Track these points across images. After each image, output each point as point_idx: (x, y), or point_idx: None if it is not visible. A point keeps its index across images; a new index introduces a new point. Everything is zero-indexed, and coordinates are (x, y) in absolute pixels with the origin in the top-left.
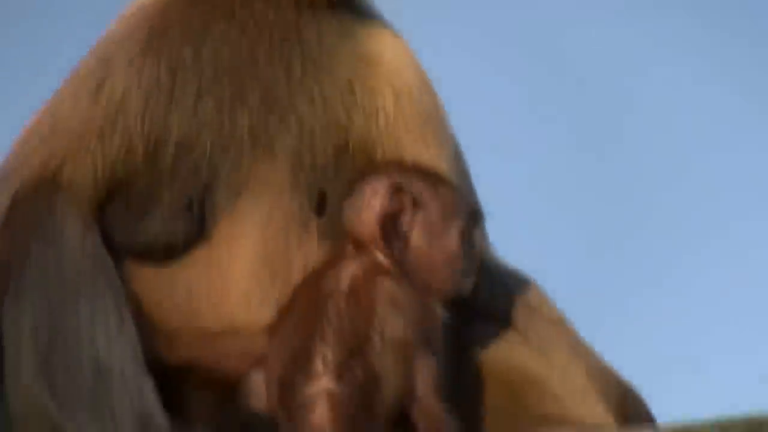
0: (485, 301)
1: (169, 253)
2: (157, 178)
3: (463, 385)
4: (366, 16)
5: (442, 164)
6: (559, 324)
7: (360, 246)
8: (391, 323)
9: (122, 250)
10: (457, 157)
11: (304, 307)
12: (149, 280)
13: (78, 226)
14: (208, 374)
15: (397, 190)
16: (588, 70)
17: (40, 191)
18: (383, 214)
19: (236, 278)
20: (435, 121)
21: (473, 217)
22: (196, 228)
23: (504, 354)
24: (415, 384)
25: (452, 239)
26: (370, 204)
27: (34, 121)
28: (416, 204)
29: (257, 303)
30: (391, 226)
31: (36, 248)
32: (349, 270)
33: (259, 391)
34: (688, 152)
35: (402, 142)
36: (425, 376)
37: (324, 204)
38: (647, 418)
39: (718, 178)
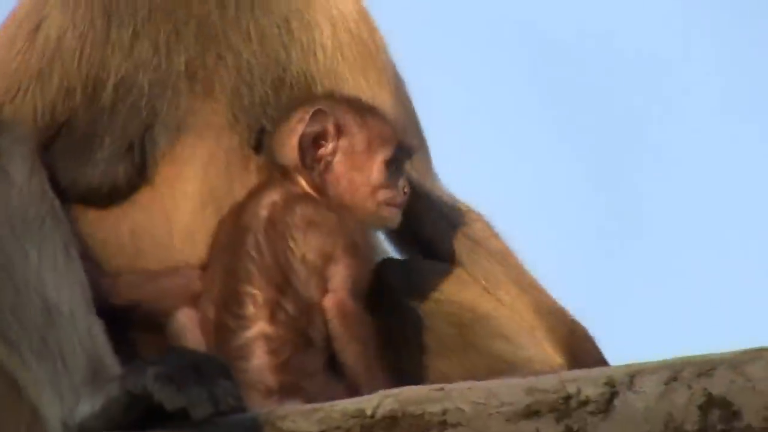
0: (430, 236)
1: (112, 195)
2: (98, 119)
3: (412, 322)
4: None
5: (382, 94)
6: (507, 258)
7: (283, 172)
8: (309, 243)
9: (68, 191)
10: (399, 87)
11: (228, 241)
12: (94, 221)
13: (24, 166)
14: (150, 314)
15: (320, 114)
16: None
17: None
18: (304, 136)
19: (180, 218)
20: (373, 52)
21: (402, 150)
22: (138, 169)
23: (451, 291)
24: (330, 283)
25: (375, 169)
26: (294, 128)
27: None
28: (340, 130)
29: (202, 241)
30: (311, 149)
31: None
32: (269, 198)
33: (187, 328)
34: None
35: (341, 75)
36: (341, 275)
37: (262, 140)
38: (597, 357)
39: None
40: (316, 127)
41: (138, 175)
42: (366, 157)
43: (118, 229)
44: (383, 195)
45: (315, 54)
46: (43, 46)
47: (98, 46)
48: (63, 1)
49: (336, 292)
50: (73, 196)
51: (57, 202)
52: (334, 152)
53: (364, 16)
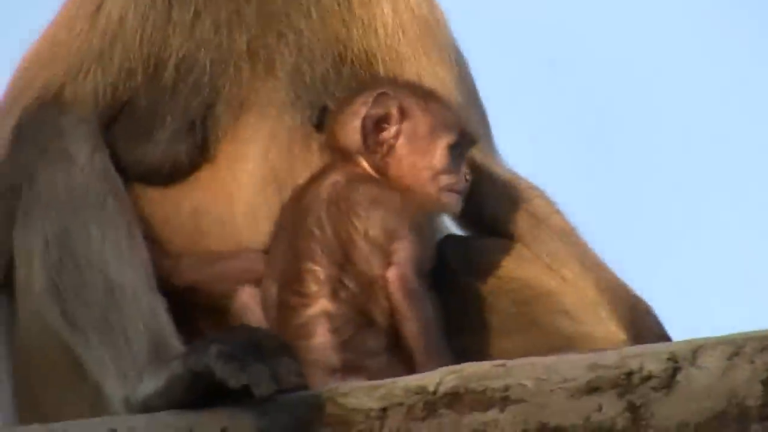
0: (492, 214)
1: (173, 174)
2: (159, 98)
3: (473, 300)
4: None
5: (442, 73)
6: (569, 235)
7: (345, 155)
8: (373, 220)
9: (129, 171)
10: (460, 65)
11: (290, 223)
12: (155, 200)
13: (86, 146)
14: (212, 295)
15: (384, 97)
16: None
17: (46, 114)
18: (367, 118)
19: (242, 197)
20: (435, 31)
21: (464, 137)
22: (199, 148)
23: (514, 267)
24: (393, 258)
25: (437, 154)
26: (357, 111)
27: (32, 49)
28: (403, 113)
29: (264, 220)
30: (374, 132)
31: (44, 170)
32: (331, 179)
33: (248, 307)
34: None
35: (401, 52)
36: (404, 252)
37: (324, 119)
38: (659, 333)
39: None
40: (379, 110)
41: (199, 154)
42: (429, 141)
43: (179, 209)
44: (445, 180)
45: (376, 31)
46: (104, 26)
47: (159, 25)
48: None
49: (399, 266)
50: (135, 175)
51: (119, 182)
52: (397, 135)
53: None
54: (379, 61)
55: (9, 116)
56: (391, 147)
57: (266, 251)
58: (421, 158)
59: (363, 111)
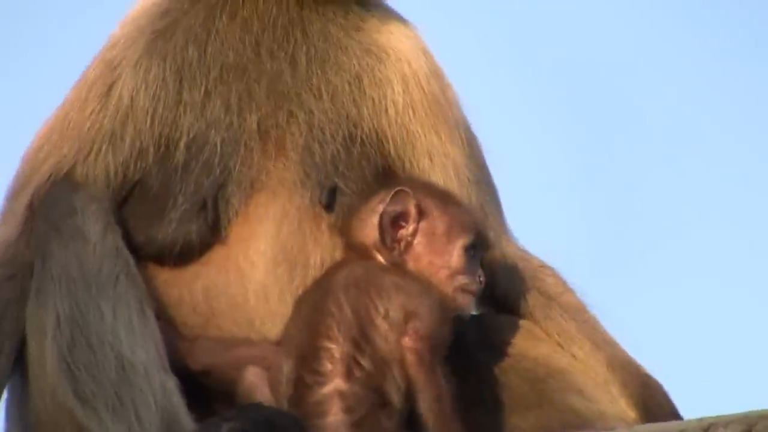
0: (504, 292)
1: (185, 253)
2: (170, 178)
3: (487, 377)
4: (374, 6)
5: (453, 151)
6: (580, 313)
7: (362, 250)
8: (395, 301)
9: (141, 250)
10: (471, 144)
11: (308, 309)
12: (168, 280)
13: (98, 225)
14: (225, 380)
15: (402, 194)
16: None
17: (59, 192)
18: (384, 214)
19: (254, 276)
20: (446, 109)
21: (480, 239)
22: (211, 228)
23: (526, 346)
24: (410, 333)
25: (455, 254)
26: (375, 208)
27: (44, 128)
28: (421, 212)
29: (276, 299)
30: (391, 229)
31: (57, 248)
32: (349, 268)
33: (256, 386)
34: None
35: (412, 131)
36: (423, 328)
37: (335, 199)
38: (670, 410)
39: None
40: (397, 207)
41: (211, 233)
42: (446, 241)
43: (192, 288)
44: (460, 281)
45: (386, 111)
46: (116, 106)
47: (170, 105)
48: (135, 62)
49: (414, 339)
50: (147, 255)
51: (131, 260)
52: (414, 233)
53: (436, 73)
54: (390, 140)
55: (22, 195)
56: (409, 244)
57: (279, 343)
58: (438, 257)
59: (380, 208)
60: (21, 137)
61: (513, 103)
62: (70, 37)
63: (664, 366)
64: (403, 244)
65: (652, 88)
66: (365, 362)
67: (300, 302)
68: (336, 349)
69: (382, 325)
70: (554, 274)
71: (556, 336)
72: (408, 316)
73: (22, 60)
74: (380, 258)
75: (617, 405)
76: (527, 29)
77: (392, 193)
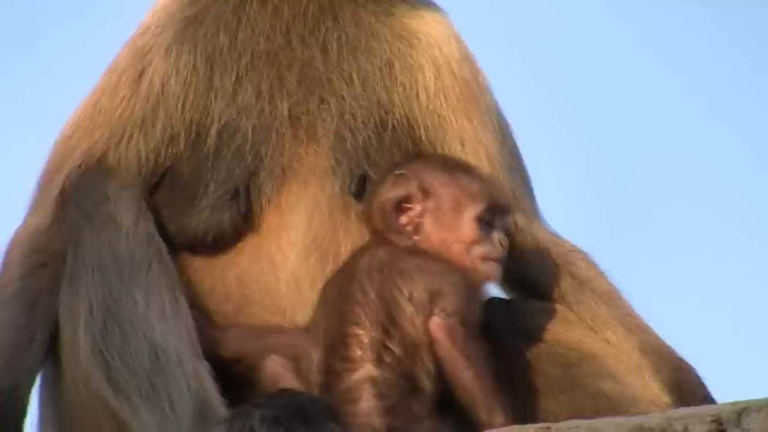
0: (535, 277)
1: (217, 242)
2: (202, 165)
3: (518, 363)
4: None
5: (485, 137)
6: (613, 298)
7: (379, 235)
8: (418, 282)
9: (173, 239)
10: (503, 129)
11: (335, 292)
12: (201, 269)
13: (131, 212)
14: (257, 368)
15: (401, 178)
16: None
17: (91, 179)
18: (386, 201)
19: (286, 266)
20: (477, 95)
21: (495, 205)
22: (243, 216)
23: (558, 331)
24: (437, 311)
25: (465, 226)
26: (380, 194)
27: (74, 116)
28: (425, 191)
29: (307, 289)
30: (397, 213)
31: (90, 235)
32: (371, 253)
33: (281, 375)
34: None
35: (444, 117)
36: (449, 304)
37: (364, 187)
38: (703, 394)
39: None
40: (399, 192)
41: (243, 222)
42: (454, 215)
43: (224, 277)
44: (478, 251)
45: (418, 96)
46: (147, 93)
47: (201, 92)
48: (166, 49)
49: (442, 317)
50: (179, 243)
51: (164, 247)
52: (422, 214)
53: (467, 58)
54: (421, 126)
55: (53, 182)
56: (418, 225)
57: (308, 330)
58: (449, 232)
59: (387, 192)
60: (45, 127)
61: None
62: (100, 23)
63: (697, 350)
64: (411, 226)
65: (652, 82)
66: (394, 347)
67: (326, 288)
68: (364, 334)
69: (407, 308)
70: (586, 258)
71: (588, 321)
72: (433, 297)
73: (47, 50)
74: (395, 240)
75: (650, 390)
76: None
77: (396, 177)
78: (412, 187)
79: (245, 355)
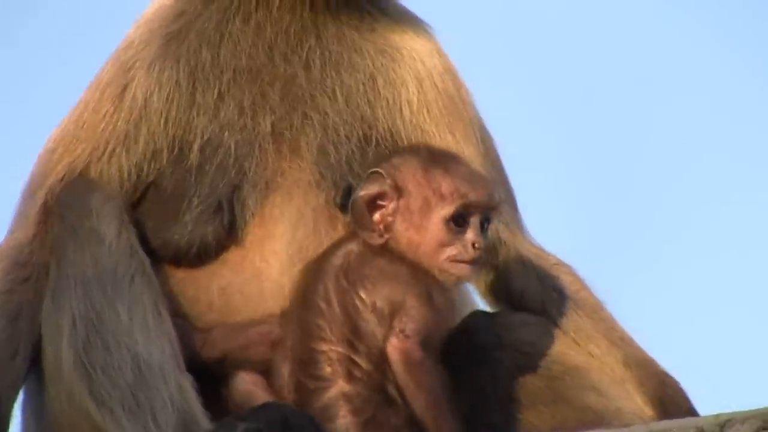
0: (520, 290)
1: (201, 255)
2: (185, 180)
3: (501, 375)
4: (387, 7)
5: (468, 150)
6: (596, 311)
7: (353, 232)
8: (379, 292)
9: (157, 252)
10: (486, 142)
11: (300, 301)
12: (184, 279)
13: (113, 225)
14: (243, 361)
15: (376, 176)
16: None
17: (74, 192)
18: (358, 198)
19: (270, 276)
20: (460, 108)
21: (470, 205)
22: (227, 229)
23: (541, 344)
24: (395, 330)
25: (432, 228)
26: (358, 190)
27: (58, 130)
28: (398, 189)
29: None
30: (370, 210)
31: (73, 249)
32: (345, 249)
33: (253, 393)
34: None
35: (426, 131)
36: (408, 322)
37: (350, 199)
38: (687, 408)
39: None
40: (372, 190)
41: (226, 235)
42: (423, 215)
43: (208, 288)
44: (446, 252)
45: (401, 110)
46: (130, 108)
47: (184, 107)
48: (149, 64)
49: (401, 338)
50: (163, 256)
51: (146, 260)
52: (394, 213)
53: (450, 71)
54: (404, 139)
55: (36, 196)
56: (390, 224)
57: (283, 315)
58: (417, 233)
59: (363, 188)
60: (31, 141)
61: (517, 103)
62: (83, 38)
63: (679, 363)
64: (383, 225)
65: (660, 89)
66: (362, 362)
67: (295, 288)
68: (332, 351)
69: (371, 319)
70: (571, 272)
71: (572, 333)
72: (395, 310)
73: (32, 62)
74: (368, 238)
75: (634, 402)
76: (533, 29)
77: (368, 174)
78: (386, 185)
79: (231, 351)
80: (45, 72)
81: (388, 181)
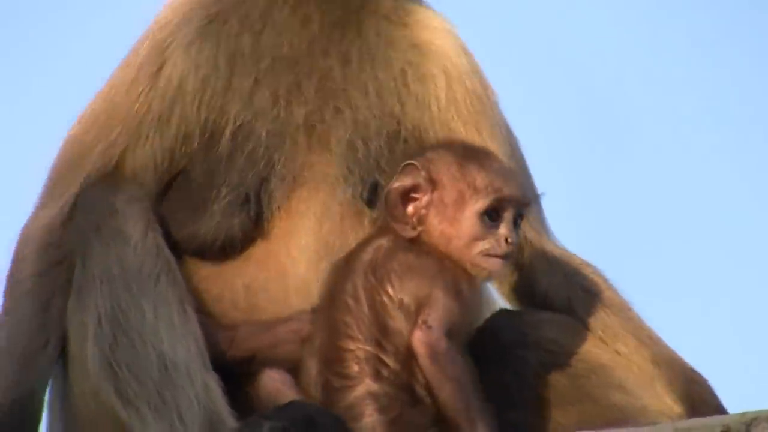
0: (545, 289)
1: (227, 248)
2: (214, 168)
3: (527, 374)
4: (416, 3)
5: (494, 148)
6: (623, 310)
7: (384, 225)
8: (407, 287)
9: (182, 246)
10: (511, 143)
11: (330, 289)
12: (208, 277)
13: (139, 225)
14: (271, 359)
15: (410, 168)
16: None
17: (100, 192)
18: (392, 190)
19: (295, 272)
20: (487, 107)
21: (504, 199)
22: (254, 222)
23: (567, 341)
24: (420, 322)
25: (466, 221)
26: (392, 182)
27: (90, 110)
28: (433, 182)
29: (316, 296)
30: (403, 203)
31: (98, 248)
32: (375, 243)
33: (281, 391)
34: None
35: (454, 128)
36: (434, 314)
37: (376, 195)
38: (716, 405)
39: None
40: (406, 182)
41: (253, 228)
42: (457, 209)
43: (232, 285)
44: (479, 246)
45: (429, 107)
46: (164, 89)
47: (219, 91)
48: (187, 44)
49: (426, 329)
50: (188, 250)
51: (172, 259)
52: (427, 205)
53: (476, 71)
54: (431, 136)
55: (66, 180)
56: (422, 217)
57: (313, 311)
58: (450, 226)
59: (397, 180)
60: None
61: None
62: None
63: (706, 361)
64: (416, 217)
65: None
66: (390, 361)
67: (325, 285)
68: (359, 349)
69: (398, 316)
70: (596, 272)
71: (599, 332)
72: (420, 304)
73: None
74: (400, 230)
75: (660, 400)
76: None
77: (407, 166)
78: (420, 178)
79: (259, 349)
80: (56, 53)
81: (423, 173)
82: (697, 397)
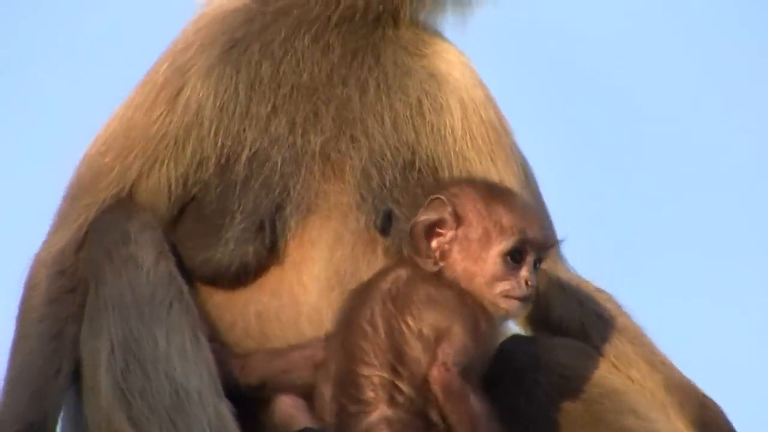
0: (559, 315)
1: (240, 275)
2: (229, 194)
3: (540, 396)
4: (433, 34)
5: (509, 180)
6: (636, 336)
7: (406, 257)
8: (426, 318)
9: (195, 272)
10: (526, 174)
11: (346, 315)
12: (221, 304)
13: (152, 252)
14: (283, 387)
15: (437, 202)
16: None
17: (115, 218)
18: (417, 224)
19: (307, 300)
20: (502, 137)
21: (527, 241)
22: (268, 249)
23: (581, 366)
24: (438, 359)
25: (490, 261)
26: (418, 215)
27: (106, 130)
28: (459, 219)
29: (328, 324)
30: (427, 237)
31: (110, 275)
32: (394, 274)
33: (294, 416)
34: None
35: (469, 158)
36: (452, 351)
37: (390, 223)
38: (728, 430)
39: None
40: (432, 216)
41: (267, 255)
42: (481, 247)
43: (244, 313)
44: (500, 287)
45: (445, 138)
46: (183, 113)
47: (236, 118)
48: (207, 69)
49: (442, 366)
50: (201, 277)
51: (185, 287)
52: (451, 241)
53: (491, 102)
54: (445, 167)
55: (83, 199)
56: (446, 252)
57: (327, 338)
58: (473, 264)
59: (422, 214)
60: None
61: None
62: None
63: (717, 385)
64: (439, 252)
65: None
66: (405, 387)
67: (340, 312)
68: (375, 375)
69: (416, 346)
70: (610, 298)
71: (612, 358)
72: (439, 337)
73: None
74: (421, 263)
75: (673, 425)
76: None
77: (433, 200)
78: (446, 213)
79: (272, 376)
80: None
81: (449, 208)
82: (710, 422)
